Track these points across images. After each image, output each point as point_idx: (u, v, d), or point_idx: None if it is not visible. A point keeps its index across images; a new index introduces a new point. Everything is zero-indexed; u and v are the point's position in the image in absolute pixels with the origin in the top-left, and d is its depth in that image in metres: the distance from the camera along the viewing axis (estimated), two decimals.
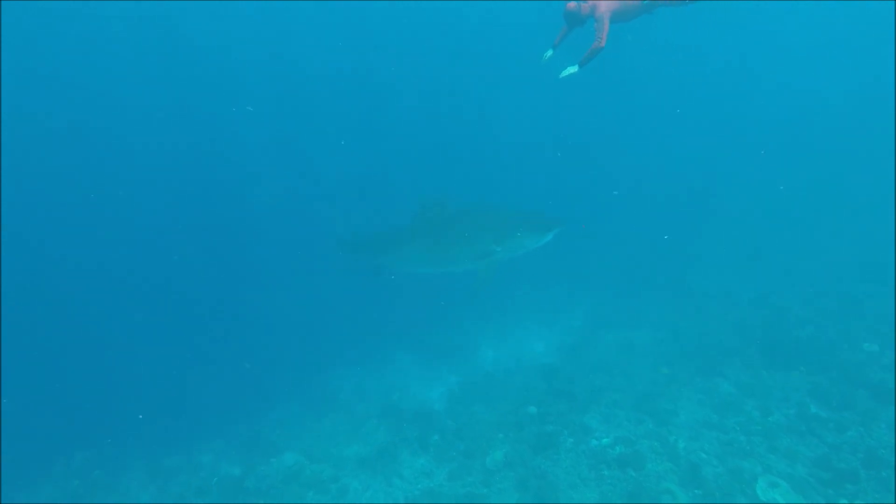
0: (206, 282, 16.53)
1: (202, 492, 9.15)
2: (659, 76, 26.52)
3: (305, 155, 23.47)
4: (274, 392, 12.07)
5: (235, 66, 22.41)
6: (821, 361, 8.96)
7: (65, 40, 19.00)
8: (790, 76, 28.66)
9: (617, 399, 9.00)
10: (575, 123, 24.69)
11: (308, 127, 24.51)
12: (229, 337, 14.07)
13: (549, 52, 7.15)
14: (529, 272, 13.61)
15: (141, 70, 20.41)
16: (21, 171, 17.63)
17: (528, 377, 10.40)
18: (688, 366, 9.74)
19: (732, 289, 13.17)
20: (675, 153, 24.58)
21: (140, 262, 17.05)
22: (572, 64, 6.52)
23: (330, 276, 15.95)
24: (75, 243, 17.32)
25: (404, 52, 25.11)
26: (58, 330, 14.39)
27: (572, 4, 6.53)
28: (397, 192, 18.49)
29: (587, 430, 8.19)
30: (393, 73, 24.63)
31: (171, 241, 17.65)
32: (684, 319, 11.91)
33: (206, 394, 11.54)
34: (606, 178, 21.58)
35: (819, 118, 26.63)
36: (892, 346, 9.22)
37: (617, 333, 11.72)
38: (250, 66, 22.67)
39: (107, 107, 20.29)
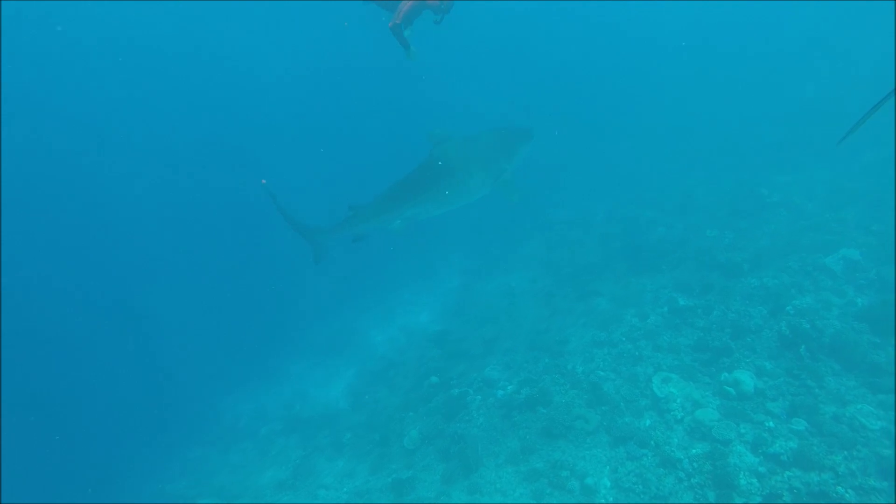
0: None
1: None
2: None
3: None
4: (172, 439, 11.20)
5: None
6: (677, 256, 9.72)
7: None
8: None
9: (510, 345, 9.20)
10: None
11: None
12: (115, 390, 12.95)
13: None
14: (392, 248, 13.44)
15: None
16: None
17: (421, 349, 10.34)
18: (566, 294, 10.16)
19: (586, 212, 13.91)
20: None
21: None
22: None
23: (195, 301, 14.87)
24: None
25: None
26: None
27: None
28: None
29: (490, 382, 8.30)
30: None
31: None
32: (552, 251, 12.42)
33: (98, 459, 10.47)
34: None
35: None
36: (730, 226, 10.24)
37: (494, 282, 11.97)
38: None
39: None
